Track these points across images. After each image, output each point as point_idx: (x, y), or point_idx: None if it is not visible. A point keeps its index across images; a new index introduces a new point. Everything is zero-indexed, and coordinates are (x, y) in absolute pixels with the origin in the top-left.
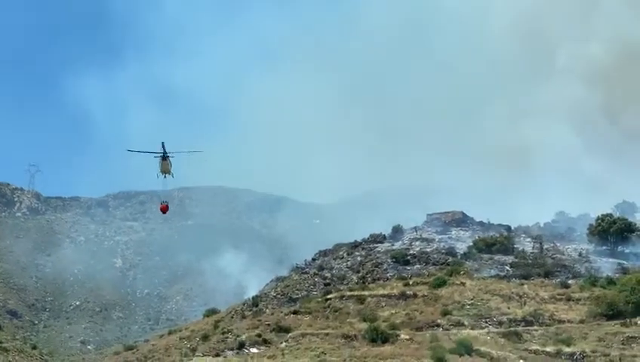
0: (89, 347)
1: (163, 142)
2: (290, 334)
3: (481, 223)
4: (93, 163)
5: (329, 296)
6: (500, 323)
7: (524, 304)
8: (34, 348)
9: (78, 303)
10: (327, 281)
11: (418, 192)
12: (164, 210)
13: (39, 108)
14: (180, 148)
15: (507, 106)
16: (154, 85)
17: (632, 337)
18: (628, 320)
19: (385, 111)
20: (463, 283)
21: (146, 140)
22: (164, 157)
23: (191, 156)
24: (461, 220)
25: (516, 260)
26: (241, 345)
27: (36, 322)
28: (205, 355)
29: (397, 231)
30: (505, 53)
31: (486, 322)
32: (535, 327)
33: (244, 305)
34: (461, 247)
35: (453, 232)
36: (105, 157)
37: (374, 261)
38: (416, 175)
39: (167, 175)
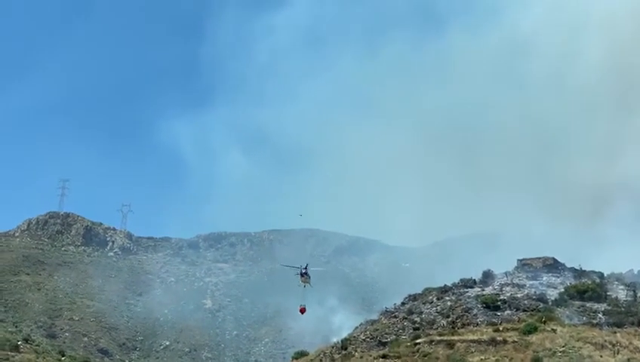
0: None
1: (307, 264)
2: None
3: (572, 269)
4: (185, 204)
5: (418, 341)
6: None
7: (617, 353)
8: None
9: (167, 343)
10: (417, 325)
11: (505, 237)
12: (303, 311)
13: (133, 151)
14: (268, 190)
15: (595, 143)
16: (244, 129)
17: None
18: None
19: (471, 156)
20: (554, 330)
21: (235, 183)
22: (303, 274)
23: (281, 199)
24: (552, 266)
25: (609, 308)
26: None
27: (126, 361)
28: None
29: (487, 276)
30: (598, 89)
31: None
32: None
33: (333, 347)
34: (552, 294)
35: (544, 278)
36: (196, 198)
37: (464, 306)
38: (503, 219)
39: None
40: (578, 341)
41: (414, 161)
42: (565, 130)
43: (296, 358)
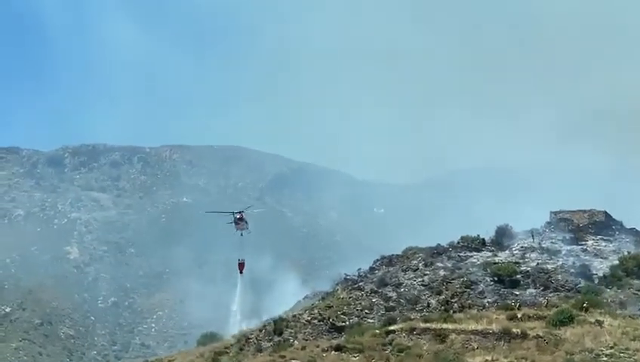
0: None
1: (243, 211)
2: None
3: (633, 231)
4: (44, 100)
5: (392, 328)
6: None
7: None
8: None
9: (8, 310)
10: (391, 304)
11: (529, 174)
12: (242, 267)
13: None
14: (173, 85)
15: None
16: None
17: None
18: None
19: (481, 53)
20: (600, 322)
21: (123, 70)
22: (239, 221)
23: (192, 100)
24: (603, 225)
25: None
26: None
27: None
28: None
29: (503, 234)
30: None
31: None
32: None
33: (260, 331)
34: (600, 267)
35: (589, 243)
36: (62, 92)
37: (465, 278)
38: (524, 147)
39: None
40: (635, 340)
41: (402, 57)
42: None
43: (204, 344)
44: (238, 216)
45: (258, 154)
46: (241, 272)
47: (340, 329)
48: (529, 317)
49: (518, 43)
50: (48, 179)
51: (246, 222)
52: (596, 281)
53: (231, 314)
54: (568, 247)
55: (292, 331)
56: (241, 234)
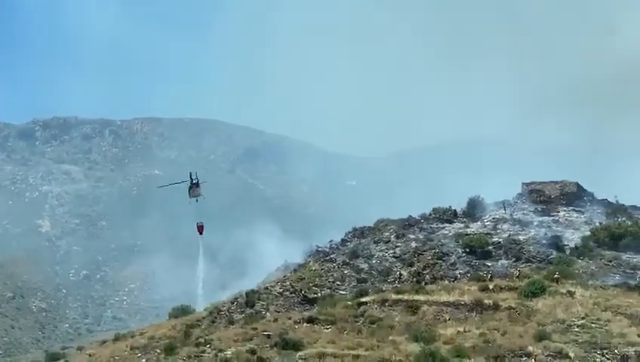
0: None
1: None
2: (300, 353)
3: (604, 202)
4: (14, 71)
5: (364, 299)
6: (626, 358)
7: None
8: None
9: None
10: (363, 276)
11: (500, 146)
12: (201, 230)
13: None
14: (143, 57)
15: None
16: None
17: None
18: None
19: (451, 50)
20: (572, 293)
21: (93, 42)
22: (195, 185)
23: (163, 73)
24: (574, 196)
25: None
26: None
27: None
28: None
29: (474, 205)
30: None
31: (602, 354)
32: None
33: (232, 303)
34: (572, 238)
35: (561, 213)
36: (31, 63)
37: (437, 250)
38: (495, 119)
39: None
40: (606, 310)
41: (373, 33)
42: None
43: (176, 316)
44: (195, 180)
45: (230, 127)
46: (200, 233)
47: (312, 301)
48: (501, 288)
49: (489, 19)
50: (19, 152)
51: (199, 187)
52: (568, 252)
53: (199, 286)
54: (540, 218)
55: (264, 303)
56: (197, 201)
